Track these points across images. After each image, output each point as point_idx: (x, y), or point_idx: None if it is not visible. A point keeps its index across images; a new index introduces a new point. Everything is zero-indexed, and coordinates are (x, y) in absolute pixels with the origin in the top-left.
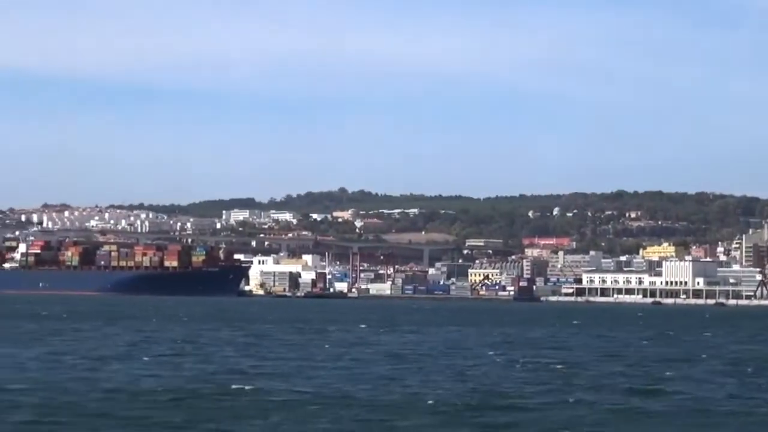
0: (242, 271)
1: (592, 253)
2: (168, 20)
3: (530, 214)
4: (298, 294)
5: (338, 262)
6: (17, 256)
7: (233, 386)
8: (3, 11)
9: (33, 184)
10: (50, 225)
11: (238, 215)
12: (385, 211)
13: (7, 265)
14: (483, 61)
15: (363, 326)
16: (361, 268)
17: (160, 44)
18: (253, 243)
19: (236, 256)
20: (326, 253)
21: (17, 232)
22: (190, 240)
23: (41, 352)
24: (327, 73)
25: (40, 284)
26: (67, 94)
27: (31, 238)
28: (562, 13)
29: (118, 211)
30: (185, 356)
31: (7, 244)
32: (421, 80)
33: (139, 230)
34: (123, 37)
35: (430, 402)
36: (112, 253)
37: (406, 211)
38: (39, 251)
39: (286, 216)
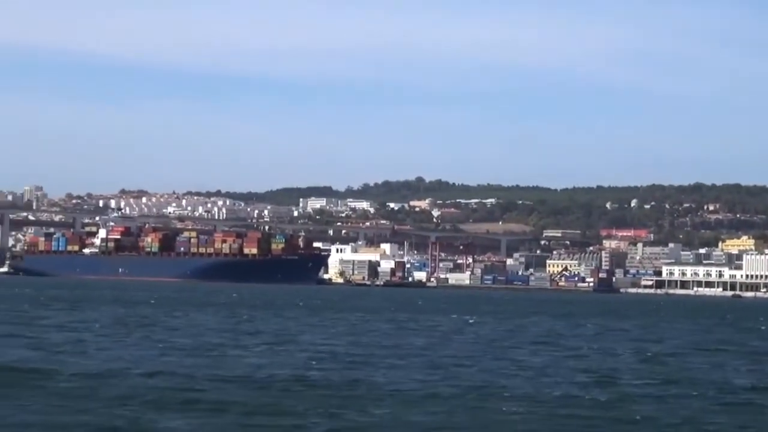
0: (321, 260)
1: (671, 245)
2: (248, 9)
3: (608, 205)
4: (377, 283)
5: (415, 252)
6: (97, 241)
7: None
8: None
9: (111, 170)
10: (127, 211)
11: (315, 203)
12: (462, 200)
13: (87, 251)
14: (562, 52)
15: (469, 318)
16: (439, 257)
17: (240, 33)
18: (331, 231)
19: (315, 245)
20: (404, 243)
21: (97, 218)
22: (267, 227)
23: (160, 338)
24: (407, 63)
25: (120, 270)
26: (144, 81)
27: (111, 224)
28: (640, 4)
29: (195, 197)
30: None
31: (87, 229)
32: (500, 71)
33: (216, 217)
34: (203, 25)
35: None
36: (192, 240)
37: (484, 201)
38: (119, 237)
39: (363, 205)
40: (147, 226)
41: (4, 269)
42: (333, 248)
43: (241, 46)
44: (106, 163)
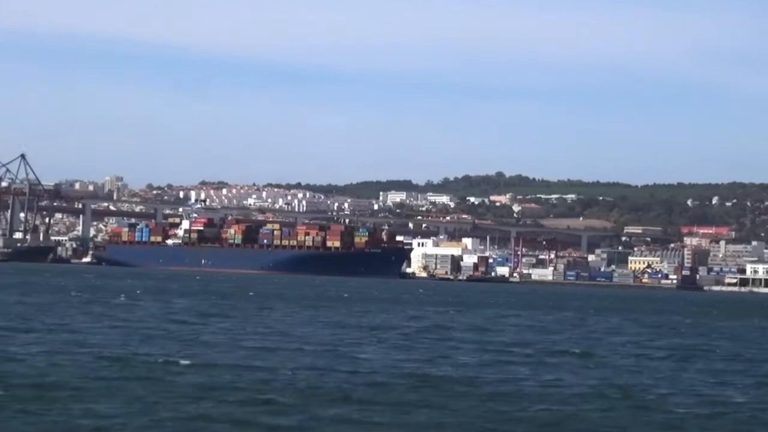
0: (405, 253)
1: (754, 243)
2: (328, 3)
3: (689, 202)
4: (460, 277)
5: (496, 246)
6: (180, 232)
7: None
8: None
9: (191, 161)
10: (208, 202)
11: (395, 197)
12: (543, 196)
13: (170, 242)
14: (645, 47)
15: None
16: (522, 252)
17: (323, 26)
18: (411, 225)
19: (397, 238)
20: (486, 237)
21: (180, 209)
22: (347, 220)
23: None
24: (489, 57)
25: (203, 261)
26: (225, 72)
27: (194, 215)
28: (725, 3)
29: (275, 189)
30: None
31: (170, 220)
32: (582, 66)
33: (296, 209)
34: (285, 17)
35: None
36: (275, 232)
37: (564, 196)
38: (202, 228)
39: (443, 199)
40: (230, 217)
41: (87, 259)
42: (414, 242)
43: (323, 38)
44: (186, 154)
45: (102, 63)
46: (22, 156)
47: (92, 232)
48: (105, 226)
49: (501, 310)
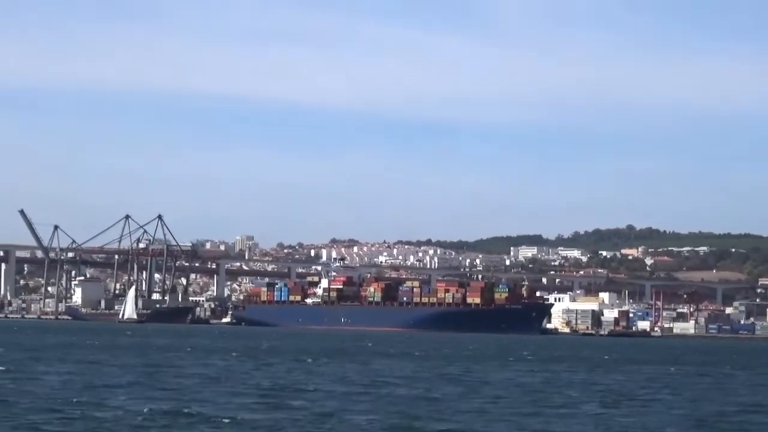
0: (545, 309)
1: None
2: (452, 58)
3: None
4: (602, 332)
5: (631, 300)
6: (319, 291)
7: None
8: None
9: (321, 220)
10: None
11: (527, 252)
12: (675, 248)
13: (309, 300)
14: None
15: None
16: (663, 306)
17: (447, 82)
18: (544, 280)
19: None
20: (623, 291)
21: (314, 267)
22: (480, 276)
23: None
24: (615, 108)
25: (342, 319)
26: (353, 130)
27: (333, 273)
28: None
29: (406, 246)
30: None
31: (309, 279)
32: (706, 118)
33: (428, 266)
34: (411, 75)
35: None
36: (415, 290)
37: (696, 249)
38: (341, 287)
39: (575, 253)
40: (369, 276)
41: (227, 319)
42: (551, 297)
43: (448, 94)
44: (316, 212)
45: (229, 122)
46: (159, 217)
47: (226, 291)
48: (238, 285)
49: (716, 368)
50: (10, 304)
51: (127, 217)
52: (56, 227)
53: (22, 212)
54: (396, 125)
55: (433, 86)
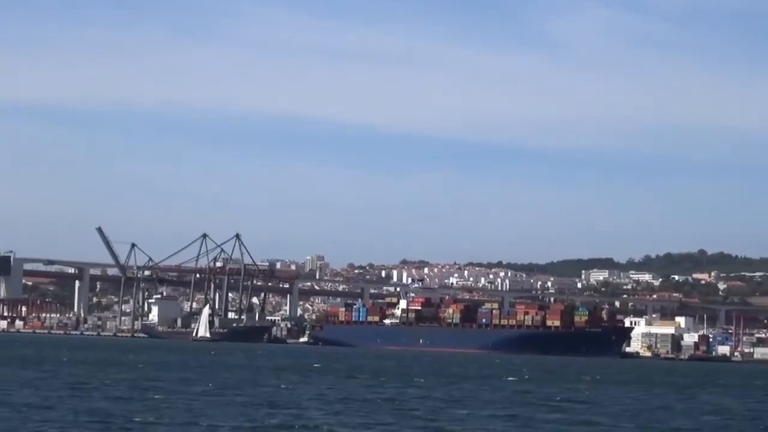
0: (625, 332)
1: None
2: (511, 80)
3: None
4: (681, 357)
5: (705, 324)
6: (397, 312)
7: None
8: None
9: (391, 240)
10: (409, 281)
11: (598, 275)
12: (747, 273)
13: (387, 321)
14: None
15: None
16: (743, 332)
17: (512, 104)
18: (617, 303)
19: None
20: (699, 316)
21: (385, 288)
22: (552, 299)
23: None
24: (683, 131)
25: (420, 341)
26: (423, 150)
27: (412, 294)
28: None
29: (476, 268)
30: None
31: (387, 300)
32: None
33: (499, 288)
34: (477, 96)
35: None
36: (494, 312)
37: None
38: (419, 308)
39: (646, 277)
40: (447, 297)
41: (304, 339)
42: (626, 320)
43: (513, 116)
44: (386, 233)
45: (300, 144)
46: (237, 236)
47: (299, 311)
48: (310, 305)
49: None
50: (85, 321)
51: (204, 236)
52: (133, 245)
53: (99, 230)
54: (465, 145)
55: (505, 107)
